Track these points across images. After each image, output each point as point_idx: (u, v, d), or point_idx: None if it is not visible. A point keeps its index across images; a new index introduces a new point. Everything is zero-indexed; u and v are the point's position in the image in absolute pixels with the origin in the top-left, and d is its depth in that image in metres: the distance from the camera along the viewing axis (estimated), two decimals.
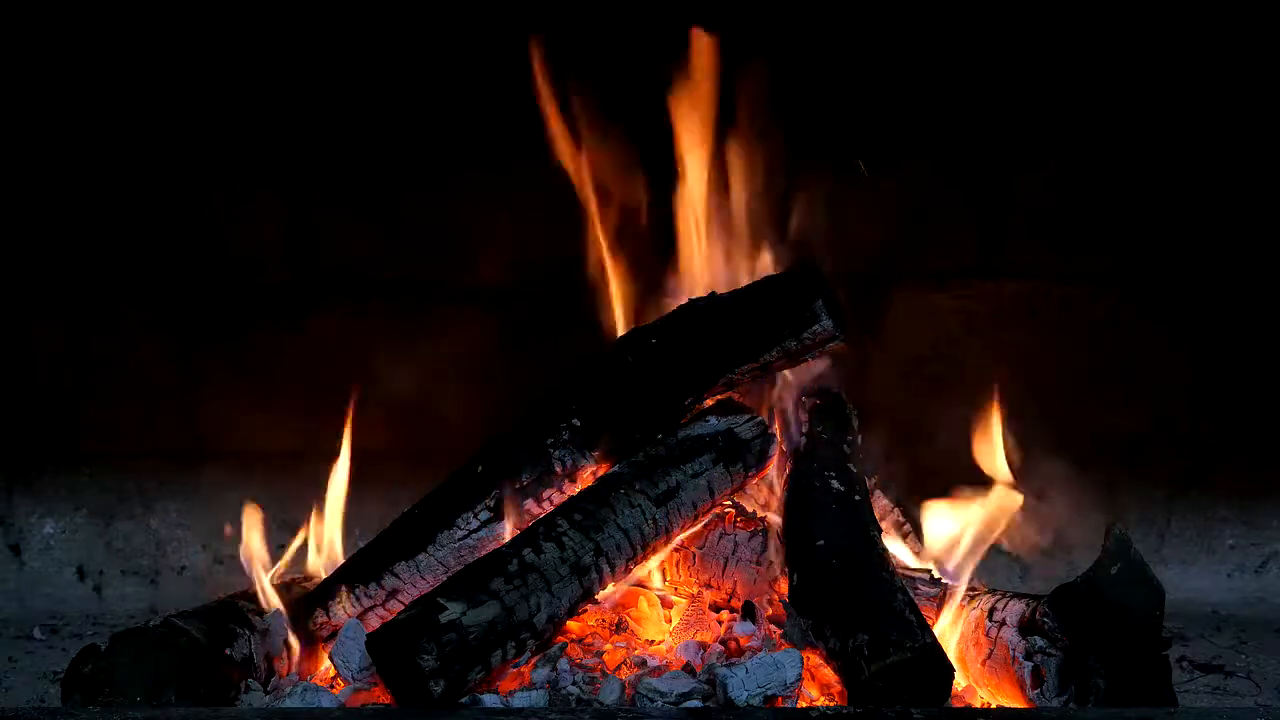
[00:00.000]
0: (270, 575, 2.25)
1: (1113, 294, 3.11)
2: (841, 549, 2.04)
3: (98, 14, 2.93)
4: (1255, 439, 3.13)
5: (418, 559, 2.17)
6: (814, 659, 1.97)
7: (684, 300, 2.34)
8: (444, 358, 3.02)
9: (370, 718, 1.88)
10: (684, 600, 2.27)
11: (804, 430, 2.39)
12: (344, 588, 2.18)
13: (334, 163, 3.02)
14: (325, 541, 2.33)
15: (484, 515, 2.19)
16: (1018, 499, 2.25)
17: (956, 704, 1.98)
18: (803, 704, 1.91)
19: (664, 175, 2.54)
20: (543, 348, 3.02)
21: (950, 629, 2.09)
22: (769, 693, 1.88)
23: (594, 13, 2.91)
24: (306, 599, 2.19)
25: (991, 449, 2.32)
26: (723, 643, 2.11)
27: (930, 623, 1.96)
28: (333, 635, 2.13)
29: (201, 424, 3.08)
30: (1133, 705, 1.82)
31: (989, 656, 2.00)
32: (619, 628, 2.17)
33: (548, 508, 2.19)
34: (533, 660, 1.96)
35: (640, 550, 2.09)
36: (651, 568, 2.28)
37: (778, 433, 2.34)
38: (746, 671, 1.89)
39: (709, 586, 2.28)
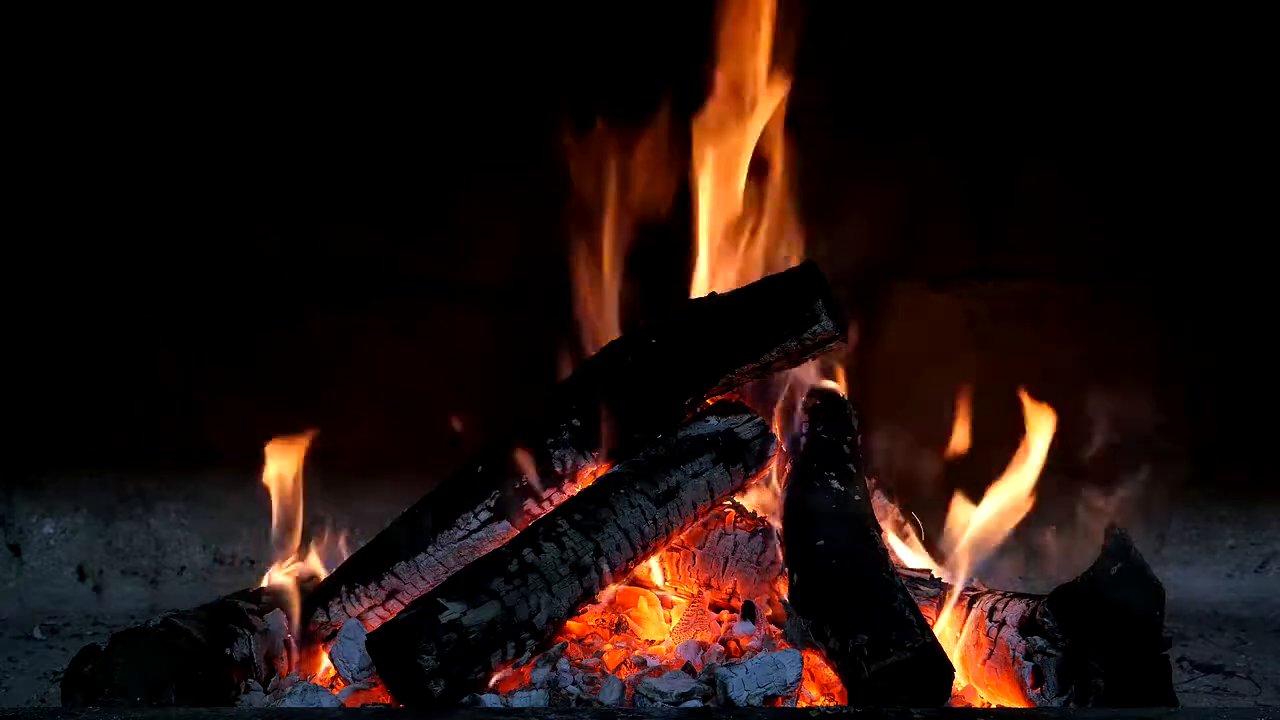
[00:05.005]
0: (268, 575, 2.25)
1: (1113, 294, 3.11)
2: (841, 549, 2.04)
3: (94, 14, 2.93)
4: (1256, 439, 3.12)
5: (418, 559, 2.17)
6: (814, 659, 1.97)
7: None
8: (444, 357, 3.02)
9: (370, 718, 1.88)
10: (684, 600, 2.27)
11: (804, 430, 2.39)
12: (344, 587, 2.19)
13: (334, 161, 3.02)
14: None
15: (484, 515, 2.19)
16: (1026, 504, 2.25)
17: (956, 704, 1.98)
18: (803, 704, 1.91)
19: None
20: (543, 347, 3.02)
21: (950, 629, 2.09)
22: (769, 693, 1.88)
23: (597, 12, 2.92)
24: (307, 599, 2.19)
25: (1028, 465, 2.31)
26: (723, 643, 2.11)
27: (930, 623, 1.96)
28: (333, 635, 2.13)
29: (201, 424, 3.08)
30: (1133, 705, 1.82)
31: (989, 656, 2.00)
32: (619, 628, 2.17)
33: (548, 508, 2.19)
34: (533, 660, 1.96)
35: (640, 550, 2.09)
36: (651, 567, 2.28)
37: (778, 433, 2.33)
38: (746, 671, 1.89)
39: (709, 586, 2.28)
